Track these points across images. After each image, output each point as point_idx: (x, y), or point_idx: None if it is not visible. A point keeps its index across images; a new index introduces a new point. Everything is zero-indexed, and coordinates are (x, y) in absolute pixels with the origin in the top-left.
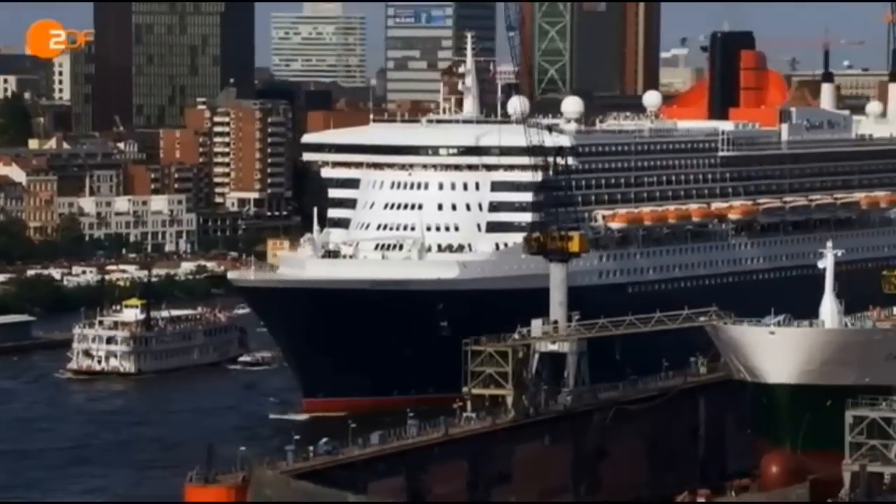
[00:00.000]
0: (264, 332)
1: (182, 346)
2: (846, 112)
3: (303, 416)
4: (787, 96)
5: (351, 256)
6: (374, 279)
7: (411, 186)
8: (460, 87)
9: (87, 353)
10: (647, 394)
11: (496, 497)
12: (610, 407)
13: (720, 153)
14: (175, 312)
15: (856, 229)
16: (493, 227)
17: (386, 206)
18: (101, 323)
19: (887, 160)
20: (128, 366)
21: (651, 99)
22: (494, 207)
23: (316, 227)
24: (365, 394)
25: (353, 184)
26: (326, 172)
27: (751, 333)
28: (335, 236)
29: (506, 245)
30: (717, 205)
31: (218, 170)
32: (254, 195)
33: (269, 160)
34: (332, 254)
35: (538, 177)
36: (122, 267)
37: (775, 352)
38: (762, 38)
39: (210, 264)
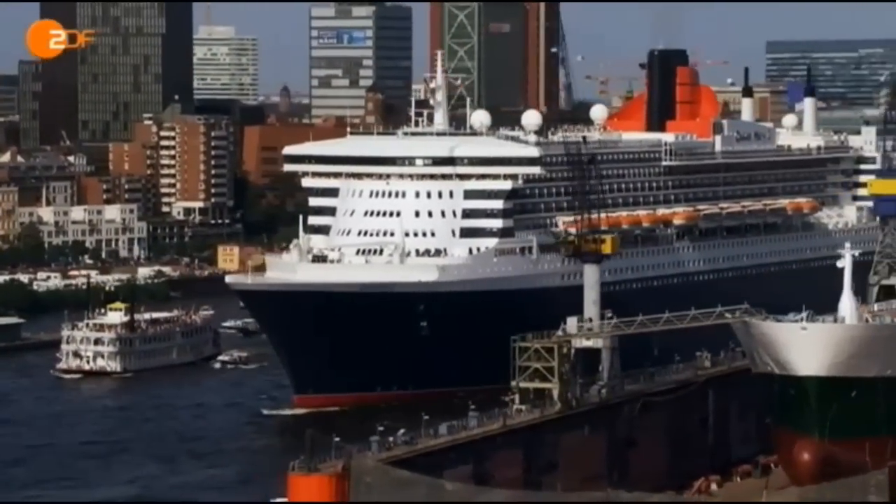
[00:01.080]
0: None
1: (162, 346)
2: (770, 124)
3: (296, 412)
4: (719, 109)
5: (338, 261)
6: (362, 282)
7: (389, 195)
8: (431, 101)
9: (77, 354)
10: (665, 386)
11: (546, 483)
12: (638, 399)
13: (663, 163)
14: (155, 315)
15: (782, 234)
16: (466, 233)
17: (366, 213)
18: (88, 325)
19: (806, 169)
20: (114, 365)
21: (598, 112)
22: (467, 214)
23: (302, 233)
24: (351, 390)
25: (332, 193)
26: (307, 182)
27: (783, 329)
28: (316, 242)
29: (478, 250)
30: (662, 211)
31: (164, 181)
32: (199, 204)
33: (213, 172)
34: (321, 258)
35: (508, 185)
36: (83, 272)
37: (806, 346)
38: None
39: (166, 269)
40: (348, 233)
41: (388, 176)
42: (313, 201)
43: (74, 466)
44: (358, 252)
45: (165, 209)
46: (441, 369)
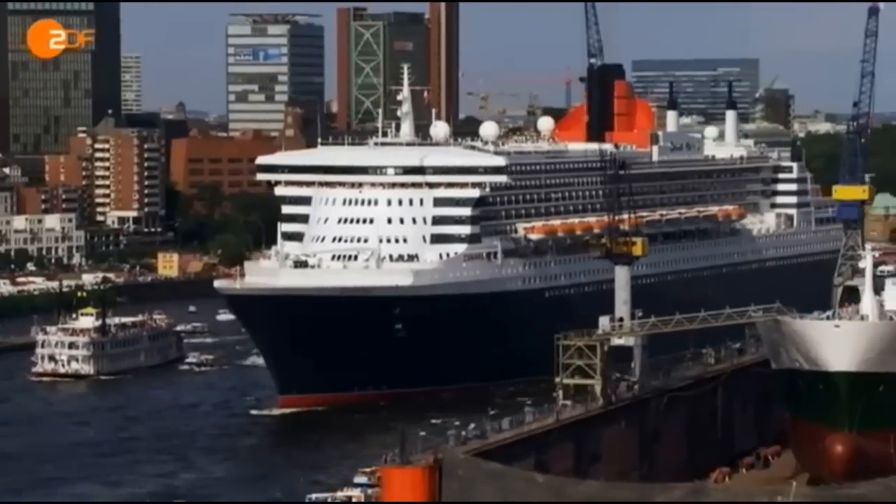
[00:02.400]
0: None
1: (131, 349)
2: (698, 135)
3: (283, 412)
4: (655, 121)
5: (317, 266)
6: (342, 286)
7: (362, 203)
8: (398, 112)
9: (52, 358)
10: (684, 382)
11: (591, 475)
12: (663, 394)
13: (608, 172)
14: (124, 319)
15: (713, 239)
16: (436, 239)
17: (339, 220)
18: (62, 329)
19: (731, 178)
20: (87, 368)
21: (545, 123)
22: (437, 221)
23: (280, 240)
24: (334, 390)
25: (305, 201)
26: (280, 191)
27: (816, 327)
28: (290, 249)
29: (448, 255)
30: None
31: (99, 191)
32: (132, 213)
33: (146, 182)
34: (303, 264)
35: (476, 193)
36: (31, 279)
37: (838, 343)
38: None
39: (110, 275)
40: (323, 239)
41: (361, 185)
42: (286, 209)
43: (99, 465)
44: (333, 258)
45: (100, 218)
46: (417, 370)
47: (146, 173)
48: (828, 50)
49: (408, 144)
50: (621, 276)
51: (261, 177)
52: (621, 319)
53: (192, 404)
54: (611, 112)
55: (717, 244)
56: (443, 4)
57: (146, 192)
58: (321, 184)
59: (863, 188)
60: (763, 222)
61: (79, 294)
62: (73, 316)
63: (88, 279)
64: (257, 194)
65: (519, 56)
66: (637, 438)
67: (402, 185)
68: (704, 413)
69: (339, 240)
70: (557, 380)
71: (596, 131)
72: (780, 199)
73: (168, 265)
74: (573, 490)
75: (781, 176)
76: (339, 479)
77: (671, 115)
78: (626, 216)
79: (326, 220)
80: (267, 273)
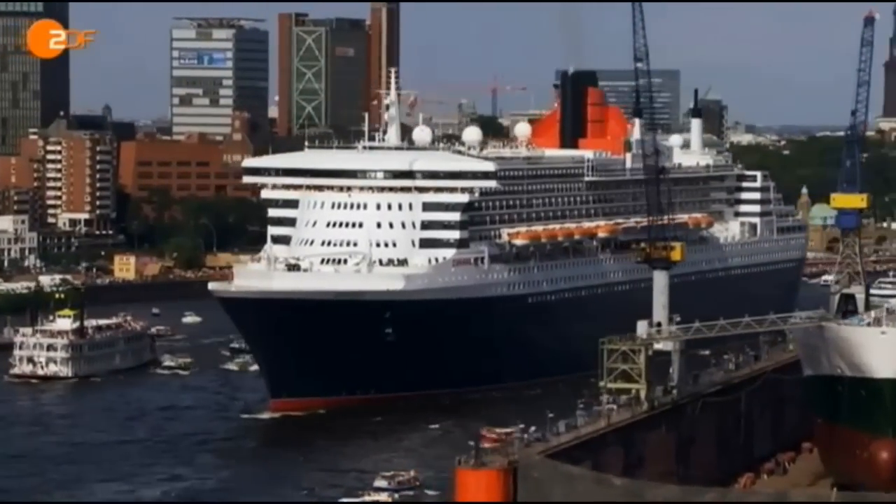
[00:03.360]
0: None
1: (107, 352)
2: (668, 143)
3: (273, 415)
4: (628, 128)
5: (308, 270)
6: (337, 290)
7: (351, 206)
8: (385, 117)
9: (30, 360)
10: (713, 387)
11: (638, 477)
12: (698, 399)
13: (586, 178)
14: (101, 321)
15: (691, 246)
16: (425, 244)
17: (328, 224)
18: (41, 331)
19: (699, 186)
20: (66, 370)
21: (522, 129)
22: (426, 226)
23: (270, 243)
24: (322, 394)
25: (292, 204)
26: (266, 194)
27: (862, 333)
28: (277, 252)
29: (436, 260)
30: (587, 224)
31: (50, 193)
32: (84, 216)
33: (98, 185)
34: (295, 267)
35: (465, 198)
36: None
37: (884, 349)
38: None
39: (68, 277)
40: (311, 243)
41: (350, 188)
42: (273, 212)
43: (116, 466)
44: (323, 261)
45: (51, 220)
46: (406, 374)
47: (98, 176)
48: (740, 63)
49: (396, 148)
50: (659, 280)
51: (247, 179)
52: (659, 324)
53: (183, 407)
54: (583, 119)
55: (689, 252)
56: (384, 10)
57: (98, 194)
58: (309, 187)
59: (861, 196)
60: (728, 230)
61: (56, 296)
62: (50, 318)
63: (46, 281)
64: (206, 198)
65: (445, 64)
66: (675, 442)
67: (391, 189)
68: (731, 418)
69: (328, 243)
70: (601, 383)
71: (568, 138)
72: (743, 208)
73: (125, 268)
74: (651, 493)
75: (745, 185)
76: (353, 483)
77: (637, 123)
78: (665, 219)
79: (315, 224)
80: (259, 276)
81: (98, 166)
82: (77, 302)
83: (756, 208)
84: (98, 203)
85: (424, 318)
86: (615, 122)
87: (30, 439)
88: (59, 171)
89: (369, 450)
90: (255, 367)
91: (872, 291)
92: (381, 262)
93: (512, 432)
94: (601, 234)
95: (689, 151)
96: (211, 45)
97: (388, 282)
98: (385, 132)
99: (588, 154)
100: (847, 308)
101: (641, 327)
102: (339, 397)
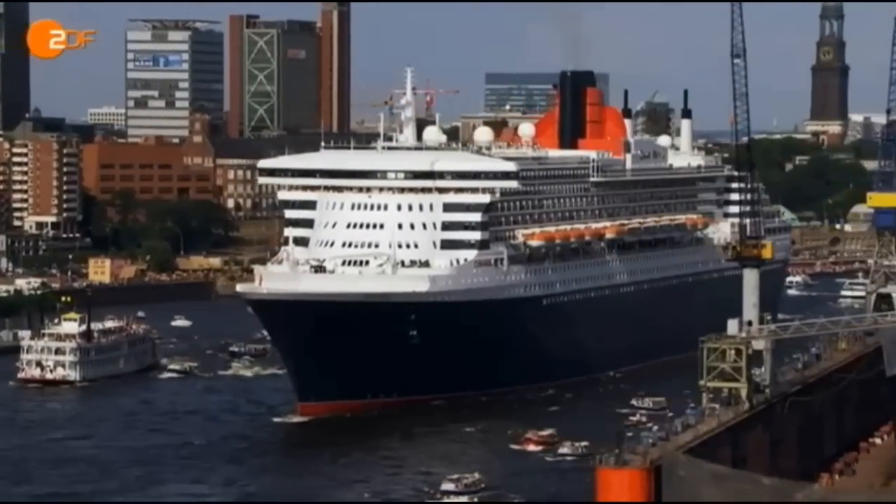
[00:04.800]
0: None
1: (112, 355)
2: (663, 144)
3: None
4: (627, 129)
5: (334, 272)
6: (367, 292)
7: (372, 207)
8: (402, 117)
9: (39, 364)
10: (794, 387)
11: None
12: (786, 398)
13: (591, 179)
14: (107, 325)
15: (683, 247)
16: (446, 245)
17: (349, 225)
18: (49, 335)
19: (692, 186)
20: (74, 375)
21: (526, 129)
22: (447, 227)
23: (292, 245)
24: (348, 398)
25: (309, 205)
26: (283, 195)
27: None
28: (296, 253)
29: (458, 261)
30: (595, 225)
31: (17, 195)
32: (51, 219)
33: (65, 187)
34: (321, 269)
35: (486, 199)
36: None
37: None
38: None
39: (45, 280)
40: (332, 244)
41: (369, 189)
42: (289, 214)
43: (177, 468)
44: (344, 263)
45: (17, 223)
46: (431, 376)
47: (65, 178)
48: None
49: (415, 149)
50: (750, 278)
51: (262, 181)
52: (750, 322)
53: (210, 411)
54: (582, 119)
55: (683, 253)
56: (335, 13)
57: (64, 197)
58: (327, 188)
59: None
60: (718, 231)
61: (63, 299)
62: (55, 321)
63: (22, 284)
64: (170, 200)
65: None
66: (768, 441)
67: (412, 189)
68: (810, 418)
69: (350, 245)
70: (702, 382)
71: (568, 138)
72: (733, 209)
73: (99, 270)
74: (800, 493)
75: (735, 185)
76: (412, 485)
77: (628, 123)
78: (756, 220)
79: (335, 225)
80: (286, 278)
81: (64, 168)
82: (49, 305)
83: (745, 208)
84: (65, 206)
85: (449, 320)
86: (613, 123)
87: (75, 444)
88: (25, 173)
89: (417, 452)
90: (266, 372)
91: (843, 293)
92: (402, 264)
93: (555, 435)
94: (609, 235)
95: (679, 152)
96: (166, 46)
97: (413, 283)
98: (401, 132)
99: (592, 154)
100: (881, 308)
101: (732, 326)
102: (364, 401)
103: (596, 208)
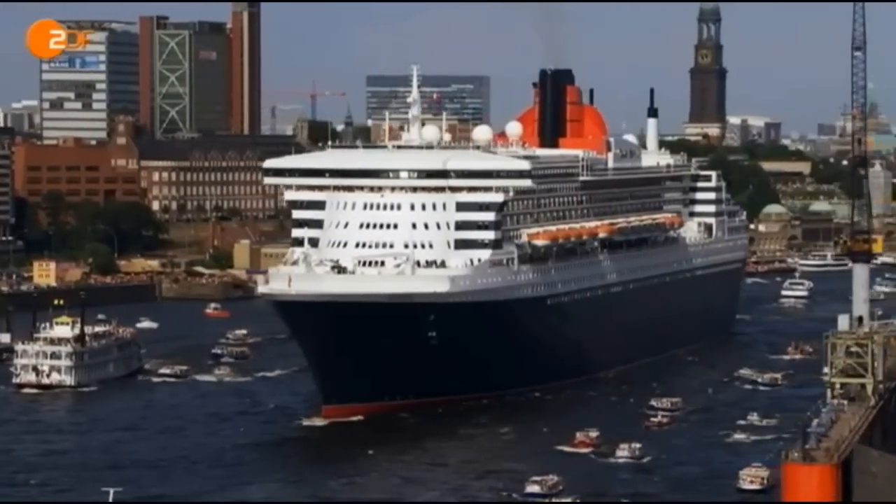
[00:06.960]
0: None
1: (103, 360)
2: (636, 143)
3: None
4: (606, 128)
5: (353, 272)
6: (391, 293)
7: (384, 207)
8: (409, 115)
9: (34, 369)
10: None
11: None
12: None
13: (580, 178)
14: (96, 328)
15: (661, 247)
16: (460, 245)
17: (361, 225)
18: (43, 339)
19: (663, 185)
20: (69, 379)
21: (514, 129)
22: (460, 226)
23: (308, 245)
24: (370, 400)
25: (318, 206)
26: (290, 195)
27: None
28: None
29: (472, 261)
30: (587, 224)
31: None
32: None
33: None
34: (342, 269)
35: (500, 197)
36: None
37: None
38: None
39: None
40: (345, 245)
41: (381, 188)
42: (297, 214)
43: (233, 470)
44: (358, 263)
45: None
46: (448, 377)
47: None
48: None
49: (426, 147)
50: (860, 273)
51: (268, 181)
52: (861, 318)
53: (228, 414)
54: (563, 118)
55: (664, 252)
56: (245, 14)
57: None
58: (336, 188)
59: None
60: (687, 230)
61: (55, 302)
62: (46, 325)
63: None
64: (99, 203)
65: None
66: (880, 436)
67: (424, 188)
68: None
69: (363, 245)
70: (826, 378)
71: (549, 137)
72: (699, 208)
73: (44, 274)
74: None
75: (700, 185)
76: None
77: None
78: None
79: (347, 225)
80: (306, 279)
81: None
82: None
83: (711, 208)
84: None
85: (467, 320)
86: (592, 122)
87: (122, 447)
88: None
89: (475, 453)
90: (259, 374)
91: (783, 292)
92: (417, 264)
93: (600, 434)
94: (602, 234)
95: (647, 152)
96: (83, 47)
97: (433, 283)
98: (408, 131)
99: (580, 153)
100: None
101: (843, 321)
102: (384, 402)
103: (585, 207)
